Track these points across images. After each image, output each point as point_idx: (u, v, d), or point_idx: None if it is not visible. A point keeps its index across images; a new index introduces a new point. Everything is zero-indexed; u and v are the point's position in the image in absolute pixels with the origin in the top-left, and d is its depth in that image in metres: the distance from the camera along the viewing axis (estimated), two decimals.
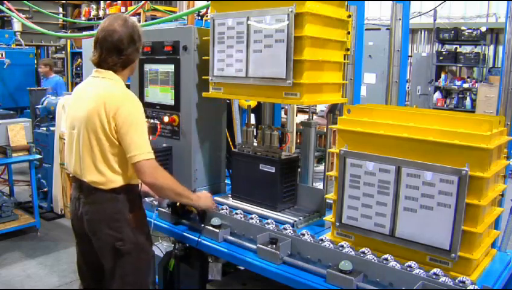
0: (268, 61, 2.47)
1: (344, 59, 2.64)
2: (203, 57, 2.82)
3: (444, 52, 10.55)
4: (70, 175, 2.40)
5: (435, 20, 10.27)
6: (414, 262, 1.91)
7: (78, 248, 2.48)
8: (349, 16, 2.61)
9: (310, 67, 2.40)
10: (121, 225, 2.25)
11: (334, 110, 2.73)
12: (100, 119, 2.16)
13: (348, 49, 2.63)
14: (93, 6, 14.17)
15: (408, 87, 9.95)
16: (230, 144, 3.29)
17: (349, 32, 2.64)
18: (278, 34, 2.42)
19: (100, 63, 2.28)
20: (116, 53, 2.25)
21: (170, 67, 2.93)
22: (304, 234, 2.21)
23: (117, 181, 2.23)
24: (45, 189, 5.80)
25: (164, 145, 2.98)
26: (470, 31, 10.11)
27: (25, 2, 9.40)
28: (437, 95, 10.82)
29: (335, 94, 2.62)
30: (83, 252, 2.45)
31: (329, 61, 2.53)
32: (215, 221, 2.43)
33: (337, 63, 2.60)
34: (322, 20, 2.45)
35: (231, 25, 2.62)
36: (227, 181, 3.20)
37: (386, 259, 1.95)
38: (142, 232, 2.35)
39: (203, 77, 2.81)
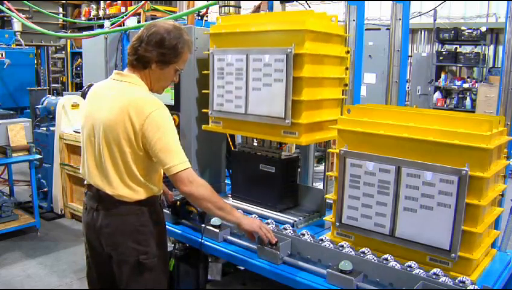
0: (267, 100, 2.50)
1: (342, 94, 2.67)
2: (203, 91, 2.85)
3: (444, 52, 10.55)
4: (85, 183, 2.27)
5: (435, 20, 10.27)
6: (414, 262, 1.91)
7: (90, 260, 2.35)
8: (348, 52, 2.65)
9: (308, 107, 2.44)
10: (146, 238, 2.16)
11: None
12: (126, 130, 2.03)
13: (346, 84, 2.66)
14: (93, 6, 14.20)
15: (408, 87, 9.95)
16: (230, 144, 3.29)
17: (347, 68, 2.68)
18: (276, 73, 2.44)
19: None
20: (139, 44, 2.10)
21: None
22: (304, 234, 2.21)
23: (142, 193, 2.13)
24: (45, 189, 5.80)
25: None
26: (470, 31, 10.11)
27: (25, 2, 9.41)
28: (437, 95, 10.82)
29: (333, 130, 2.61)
30: (95, 264, 2.34)
31: (328, 99, 2.54)
32: (215, 221, 2.43)
33: (335, 99, 2.62)
34: (321, 60, 2.49)
35: (230, 61, 2.64)
36: (227, 181, 3.20)
37: (386, 259, 1.95)
38: (164, 244, 2.29)
39: (203, 110, 2.85)
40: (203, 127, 2.87)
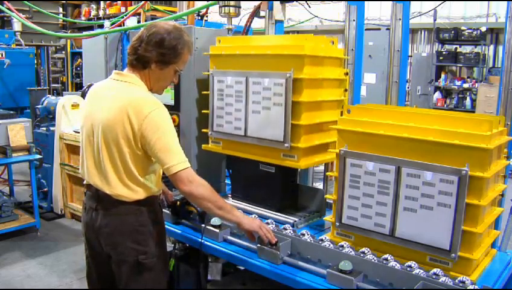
0: (267, 123, 2.52)
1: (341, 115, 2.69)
2: (202, 111, 2.87)
3: (444, 52, 10.55)
4: (84, 182, 2.27)
5: (435, 20, 10.27)
6: (414, 262, 1.91)
7: (90, 260, 2.35)
8: (346, 74, 2.67)
9: (307, 131, 2.47)
10: (145, 238, 2.16)
11: None
12: (125, 130, 2.02)
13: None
14: (93, 6, 14.20)
15: (408, 87, 9.94)
16: None
17: (346, 90, 2.71)
18: (276, 97, 2.46)
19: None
20: (139, 44, 2.11)
21: None
22: (304, 234, 2.21)
23: (141, 193, 2.13)
24: (45, 189, 5.80)
25: None
26: (470, 31, 10.10)
27: (25, 2, 9.42)
28: (437, 95, 10.81)
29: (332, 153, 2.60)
30: (95, 264, 2.33)
31: (327, 122, 2.55)
32: (215, 221, 2.43)
33: (334, 122, 2.63)
34: (320, 83, 2.51)
35: (230, 83, 2.66)
36: (227, 181, 3.20)
37: (386, 259, 1.95)
38: (163, 244, 2.29)
39: (203, 130, 2.86)
40: (203, 146, 2.90)
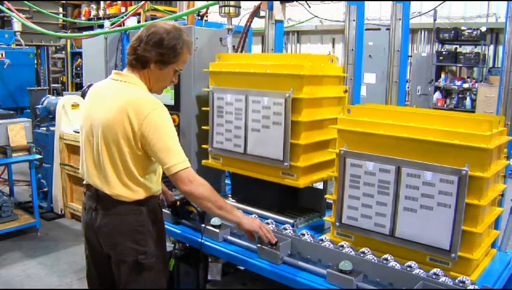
0: (266, 142, 2.54)
1: None
2: (202, 127, 2.89)
3: (444, 52, 10.54)
4: (84, 182, 2.27)
5: (435, 20, 10.27)
6: (414, 262, 1.91)
7: (90, 260, 2.34)
8: (346, 91, 2.70)
9: (306, 149, 2.48)
10: (144, 238, 2.16)
11: None
12: (125, 130, 2.02)
13: None
14: (93, 6, 14.20)
15: (408, 87, 9.94)
16: None
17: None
18: (275, 116, 2.48)
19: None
20: (138, 44, 2.10)
21: None
22: (304, 234, 2.21)
23: (140, 193, 2.13)
24: (45, 189, 5.80)
25: None
26: (470, 31, 10.10)
27: (25, 2, 9.42)
28: (437, 95, 10.81)
29: (330, 169, 2.59)
30: (95, 264, 2.33)
31: (326, 140, 2.56)
32: (215, 221, 2.43)
33: (333, 139, 2.65)
34: (319, 102, 2.53)
35: (230, 100, 2.67)
36: (227, 181, 3.20)
37: (386, 259, 1.95)
38: (163, 244, 2.30)
39: (203, 146, 2.87)
40: (203, 162, 2.91)
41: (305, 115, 2.42)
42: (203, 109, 2.87)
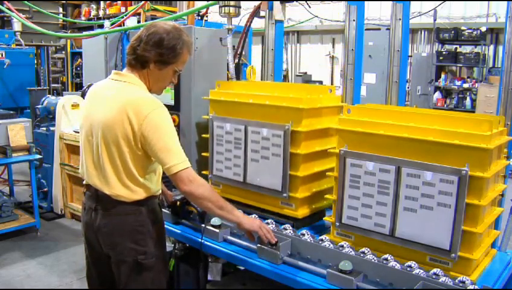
0: (265, 172, 2.55)
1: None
2: (202, 153, 2.89)
3: (444, 52, 10.54)
4: (84, 182, 2.27)
5: (435, 20, 10.26)
6: (414, 262, 1.91)
7: (90, 260, 2.35)
8: None
9: (305, 181, 2.50)
10: (144, 238, 2.16)
11: None
12: (124, 130, 2.02)
13: None
14: (93, 6, 14.19)
15: (408, 87, 9.94)
16: None
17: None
18: (274, 148, 2.49)
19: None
20: (138, 44, 2.09)
21: None
22: (304, 234, 2.21)
23: (140, 193, 2.13)
24: (45, 189, 5.80)
25: None
26: (470, 31, 10.09)
27: (25, 2, 9.41)
28: (437, 95, 10.81)
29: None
30: (95, 264, 2.33)
31: (325, 170, 2.56)
32: (215, 221, 2.43)
33: (331, 169, 2.65)
34: (318, 134, 2.53)
35: (229, 130, 2.69)
36: None
37: (386, 259, 1.95)
38: (163, 244, 2.29)
39: (203, 172, 2.87)
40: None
41: (304, 147, 2.44)
42: (203, 136, 2.87)
